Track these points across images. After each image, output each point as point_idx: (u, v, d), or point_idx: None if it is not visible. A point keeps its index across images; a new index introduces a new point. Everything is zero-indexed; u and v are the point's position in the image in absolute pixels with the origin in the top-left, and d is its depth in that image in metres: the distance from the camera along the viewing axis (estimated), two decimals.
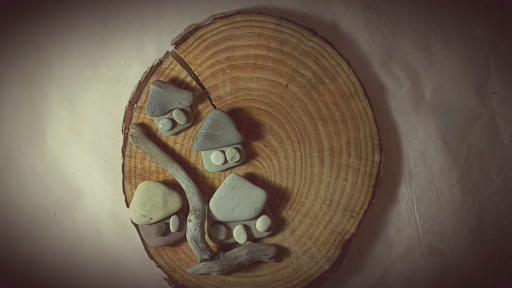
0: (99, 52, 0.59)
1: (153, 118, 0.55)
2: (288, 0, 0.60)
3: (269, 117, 0.56)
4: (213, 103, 0.56)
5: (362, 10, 0.60)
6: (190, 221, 0.53)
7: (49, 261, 0.59)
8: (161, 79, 0.55)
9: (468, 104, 0.61)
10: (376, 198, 0.57)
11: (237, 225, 0.55)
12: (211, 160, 0.55)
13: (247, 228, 0.55)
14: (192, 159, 0.56)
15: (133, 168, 0.56)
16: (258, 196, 0.54)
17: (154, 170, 0.56)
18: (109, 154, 0.59)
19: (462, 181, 0.60)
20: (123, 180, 0.56)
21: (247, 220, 0.54)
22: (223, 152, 0.54)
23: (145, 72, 0.56)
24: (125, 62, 0.59)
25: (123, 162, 0.56)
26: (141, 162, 0.56)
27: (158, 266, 0.56)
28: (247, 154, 0.56)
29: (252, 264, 0.55)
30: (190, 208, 0.54)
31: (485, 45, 0.61)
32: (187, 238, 0.53)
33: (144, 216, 0.54)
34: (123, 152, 0.56)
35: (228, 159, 0.54)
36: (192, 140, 0.56)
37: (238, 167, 0.56)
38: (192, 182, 0.54)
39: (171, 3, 0.59)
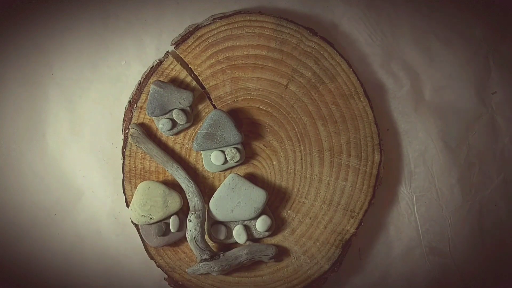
0: (99, 52, 0.59)
1: (153, 118, 0.55)
2: (288, 0, 0.60)
3: (269, 117, 0.56)
4: (213, 103, 0.56)
5: (362, 10, 0.60)
6: (190, 221, 0.53)
7: (49, 261, 0.59)
8: (161, 79, 0.55)
9: (468, 104, 0.61)
10: (376, 198, 0.57)
11: (237, 225, 0.55)
12: (211, 160, 0.55)
13: (247, 228, 0.55)
14: (192, 159, 0.56)
15: (133, 168, 0.56)
16: (258, 196, 0.54)
17: (154, 170, 0.56)
18: (109, 154, 0.59)
19: (462, 181, 0.60)
20: (123, 180, 0.56)
21: (247, 220, 0.54)
22: (223, 152, 0.54)
23: (145, 72, 0.56)
24: (125, 62, 0.59)
25: (123, 162, 0.56)
26: (141, 162, 0.56)
27: (158, 266, 0.56)
28: (247, 154, 0.56)
29: (252, 264, 0.55)
30: (190, 208, 0.54)
31: (485, 45, 0.61)
32: (187, 238, 0.53)
33: (144, 216, 0.54)
34: (123, 152, 0.56)
35: (228, 159, 0.54)
36: (192, 140, 0.56)
37: (238, 167, 0.56)
38: (192, 182, 0.54)
39: (171, 3, 0.59)
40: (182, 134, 0.56)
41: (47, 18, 0.59)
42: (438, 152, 0.60)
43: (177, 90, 0.54)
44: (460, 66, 0.61)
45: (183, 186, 0.54)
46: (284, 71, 0.56)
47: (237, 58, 0.56)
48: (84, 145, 0.59)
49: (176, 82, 0.55)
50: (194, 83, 0.56)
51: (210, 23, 0.55)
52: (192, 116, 0.55)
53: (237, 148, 0.54)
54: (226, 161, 0.55)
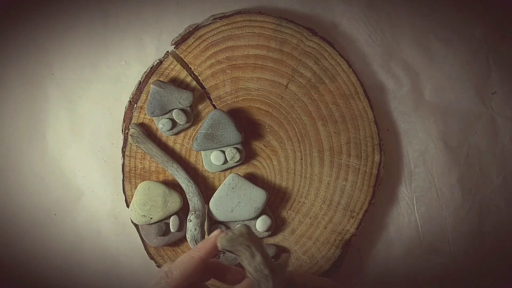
0: (99, 52, 0.59)
1: (153, 118, 0.55)
2: (288, 0, 0.60)
3: (269, 117, 0.56)
4: (213, 103, 0.56)
5: (362, 10, 0.60)
6: (190, 221, 0.53)
7: (49, 261, 0.59)
8: (161, 79, 0.55)
9: (468, 104, 0.61)
10: (376, 198, 0.57)
11: (237, 225, 0.55)
12: (211, 160, 0.55)
13: None
14: (192, 159, 0.56)
15: (133, 168, 0.56)
16: (258, 196, 0.54)
17: (154, 170, 0.56)
18: (109, 154, 0.59)
19: (462, 181, 0.60)
20: (123, 180, 0.56)
21: (247, 220, 0.54)
22: (223, 152, 0.54)
23: (145, 72, 0.56)
24: (125, 62, 0.59)
25: (123, 162, 0.56)
26: (141, 162, 0.56)
27: (158, 266, 0.56)
28: (247, 154, 0.56)
29: None
30: (190, 208, 0.54)
31: (485, 45, 0.61)
32: (187, 238, 0.53)
33: (144, 216, 0.54)
34: (123, 152, 0.56)
35: (228, 159, 0.54)
36: (192, 140, 0.56)
37: (238, 167, 0.56)
38: (192, 182, 0.54)
39: (171, 3, 0.59)
40: (182, 134, 0.56)
41: (47, 18, 0.59)
42: (438, 152, 0.60)
43: (177, 90, 0.54)
44: (460, 66, 0.61)
45: (183, 186, 0.54)
46: (284, 71, 0.56)
47: (237, 58, 0.56)
48: (84, 145, 0.59)
49: (176, 82, 0.55)
50: (194, 83, 0.56)
51: (210, 23, 0.55)
52: (192, 116, 0.55)
53: (237, 148, 0.54)
54: (226, 161, 0.55)
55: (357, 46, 0.60)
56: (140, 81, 0.56)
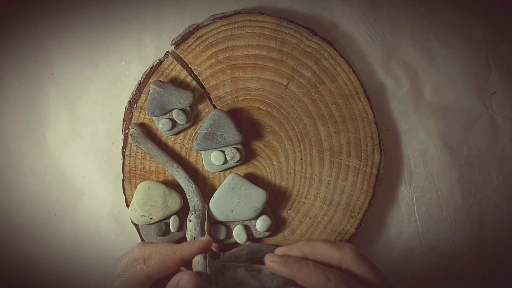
0: (99, 52, 0.59)
1: (153, 118, 0.55)
2: (288, 0, 0.60)
3: (269, 117, 0.56)
4: (213, 103, 0.56)
5: (362, 10, 0.60)
6: (190, 221, 0.53)
7: (49, 261, 0.59)
8: (161, 79, 0.55)
9: (468, 104, 0.61)
10: (376, 198, 0.57)
11: (237, 225, 0.55)
12: (211, 160, 0.55)
13: (247, 228, 0.55)
14: (192, 159, 0.56)
15: (133, 168, 0.56)
16: (258, 196, 0.54)
17: (154, 170, 0.56)
18: (109, 154, 0.59)
19: (462, 181, 0.60)
20: (123, 180, 0.56)
21: (247, 220, 0.54)
22: (223, 152, 0.54)
23: (145, 72, 0.56)
24: (125, 62, 0.59)
25: (123, 162, 0.56)
26: (141, 162, 0.56)
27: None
28: (247, 154, 0.56)
29: None
30: (190, 208, 0.54)
31: (485, 45, 0.61)
32: (187, 238, 0.53)
33: (144, 216, 0.54)
34: (123, 152, 0.56)
35: (228, 159, 0.54)
36: (192, 140, 0.56)
37: (238, 167, 0.56)
38: (192, 182, 0.54)
39: (171, 3, 0.59)
40: (182, 134, 0.56)
41: (47, 18, 0.59)
42: (438, 152, 0.60)
43: (177, 90, 0.54)
44: (460, 66, 0.61)
45: (183, 186, 0.54)
46: (284, 71, 0.56)
47: (237, 58, 0.56)
48: (84, 145, 0.59)
49: (176, 82, 0.55)
50: (194, 83, 0.56)
51: (210, 23, 0.55)
52: (192, 116, 0.55)
53: (237, 148, 0.54)
54: (226, 161, 0.55)
55: (357, 46, 0.60)
56: (140, 81, 0.56)
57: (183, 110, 0.54)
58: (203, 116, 0.56)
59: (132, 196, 0.55)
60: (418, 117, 0.60)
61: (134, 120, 0.56)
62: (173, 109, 0.54)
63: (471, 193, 0.61)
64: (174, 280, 0.39)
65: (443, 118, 0.60)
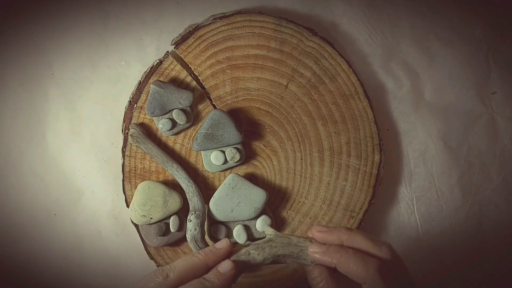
0: (99, 52, 0.59)
1: (153, 118, 0.55)
2: (288, 0, 0.60)
3: (269, 117, 0.56)
4: (213, 103, 0.56)
5: (362, 10, 0.60)
6: (190, 221, 0.53)
7: (49, 261, 0.59)
8: (161, 79, 0.55)
9: (468, 104, 0.61)
10: (376, 198, 0.57)
11: (237, 225, 0.55)
12: (211, 160, 0.55)
13: (247, 228, 0.55)
14: (192, 159, 0.56)
15: (133, 168, 0.56)
16: (258, 196, 0.54)
17: (154, 170, 0.56)
18: (109, 154, 0.59)
19: (462, 181, 0.60)
20: (123, 180, 0.56)
21: (247, 220, 0.54)
22: (223, 152, 0.54)
23: (145, 72, 0.56)
24: (125, 62, 0.59)
25: (123, 162, 0.56)
26: (141, 162, 0.56)
27: (158, 266, 0.56)
28: (247, 154, 0.56)
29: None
30: (190, 208, 0.54)
31: (485, 45, 0.61)
32: (187, 238, 0.53)
33: (144, 216, 0.54)
34: (123, 152, 0.56)
35: (228, 159, 0.54)
36: (192, 140, 0.56)
37: (238, 167, 0.56)
38: (192, 182, 0.54)
39: (171, 3, 0.59)
40: (182, 134, 0.56)
41: (47, 18, 0.59)
42: (438, 152, 0.60)
43: (177, 90, 0.54)
44: (460, 66, 0.61)
45: (183, 186, 0.54)
46: (284, 71, 0.56)
47: (237, 58, 0.56)
48: (84, 145, 0.59)
49: (176, 82, 0.55)
50: (194, 83, 0.56)
51: (210, 23, 0.55)
52: (192, 116, 0.55)
53: (237, 148, 0.54)
54: (226, 161, 0.55)
55: (357, 46, 0.60)
56: (140, 81, 0.56)
57: (183, 110, 0.54)
58: (203, 116, 0.56)
59: (132, 196, 0.55)
60: (418, 117, 0.60)
61: (134, 120, 0.56)
62: (173, 109, 0.54)
63: (471, 193, 0.61)
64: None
65: (443, 118, 0.60)
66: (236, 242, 0.55)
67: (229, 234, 0.55)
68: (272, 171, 0.56)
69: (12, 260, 0.59)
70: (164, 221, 0.54)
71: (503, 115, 0.61)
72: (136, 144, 0.54)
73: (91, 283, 0.59)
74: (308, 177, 0.56)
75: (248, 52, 0.56)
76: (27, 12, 0.59)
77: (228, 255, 0.44)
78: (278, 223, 0.56)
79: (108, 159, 0.59)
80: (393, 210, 0.61)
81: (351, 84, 0.56)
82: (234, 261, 0.43)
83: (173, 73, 0.55)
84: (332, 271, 0.43)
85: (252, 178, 0.56)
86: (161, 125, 0.54)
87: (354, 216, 0.56)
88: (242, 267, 0.44)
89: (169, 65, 0.55)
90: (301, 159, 0.56)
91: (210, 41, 0.55)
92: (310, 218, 0.56)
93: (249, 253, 0.44)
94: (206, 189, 0.56)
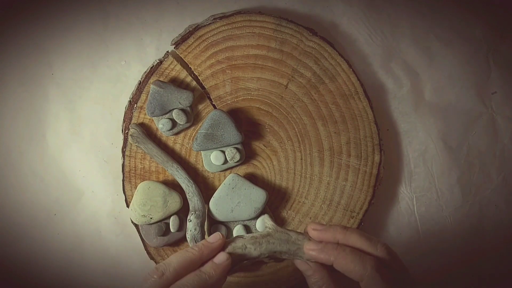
0: (99, 52, 0.59)
1: (153, 118, 0.55)
2: (288, 0, 0.60)
3: (269, 117, 0.56)
4: (213, 103, 0.56)
5: (362, 10, 0.60)
6: (190, 221, 0.53)
7: (49, 261, 0.59)
8: (161, 79, 0.55)
9: (468, 104, 0.61)
10: (376, 198, 0.57)
11: (237, 225, 0.55)
12: (211, 160, 0.55)
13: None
14: (192, 159, 0.56)
15: (133, 168, 0.56)
16: (258, 196, 0.54)
17: (154, 170, 0.56)
18: (109, 154, 0.59)
19: (462, 181, 0.60)
20: (123, 180, 0.56)
21: (247, 220, 0.54)
22: (223, 152, 0.54)
23: (145, 72, 0.56)
24: (125, 62, 0.59)
25: (123, 162, 0.56)
26: (141, 162, 0.56)
27: None
28: (247, 154, 0.56)
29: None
30: (190, 208, 0.54)
31: (485, 45, 0.61)
32: (187, 238, 0.53)
33: (144, 216, 0.54)
34: (123, 152, 0.56)
35: (228, 159, 0.54)
36: (192, 140, 0.56)
37: (238, 167, 0.56)
38: (192, 182, 0.54)
39: (171, 3, 0.59)
40: (182, 134, 0.56)
41: (47, 18, 0.59)
42: (438, 152, 0.60)
43: (177, 90, 0.54)
44: (460, 66, 0.61)
45: (183, 186, 0.54)
46: (284, 71, 0.56)
47: (237, 58, 0.56)
48: (84, 145, 0.59)
49: (176, 82, 0.55)
50: (194, 83, 0.56)
51: (210, 23, 0.55)
52: (192, 116, 0.55)
53: (237, 148, 0.54)
54: (226, 161, 0.55)
55: (357, 46, 0.60)
56: (140, 81, 0.56)
57: (183, 110, 0.54)
58: (203, 116, 0.56)
59: (132, 196, 0.55)
60: (418, 117, 0.60)
61: (134, 120, 0.56)
62: (173, 109, 0.54)
63: (471, 193, 0.61)
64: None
65: (443, 118, 0.60)
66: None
67: (229, 234, 0.55)
68: (272, 171, 0.56)
69: (12, 260, 0.59)
70: (164, 221, 0.54)
71: (503, 115, 0.61)
72: (136, 144, 0.54)
73: (91, 283, 0.59)
74: (308, 177, 0.56)
75: (248, 52, 0.56)
76: (27, 12, 0.59)
77: (222, 248, 0.44)
78: (278, 223, 0.56)
79: (108, 159, 0.59)
80: (393, 210, 0.61)
81: (351, 84, 0.56)
82: (229, 253, 0.43)
83: (173, 73, 0.55)
84: (331, 270, 0.43)
85: (252, 178, 0.56)
86: (161, 125, 0.54)
87: (354, 216, 0.56)
88: (238, 260, 0.44)
89: (169, 65, 0.55)
90: (301, 159, 0.56)
91: (210, 41, 0.55)
92: (310, 218, 0.56)
93: (246, 247, 0.44)
94: (206, 189, 0.56)
